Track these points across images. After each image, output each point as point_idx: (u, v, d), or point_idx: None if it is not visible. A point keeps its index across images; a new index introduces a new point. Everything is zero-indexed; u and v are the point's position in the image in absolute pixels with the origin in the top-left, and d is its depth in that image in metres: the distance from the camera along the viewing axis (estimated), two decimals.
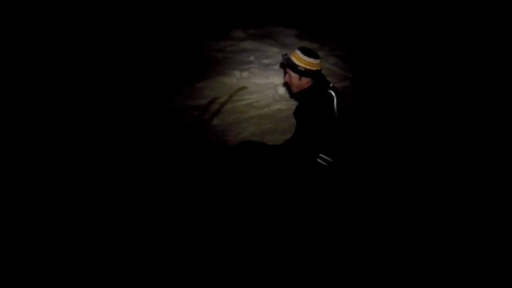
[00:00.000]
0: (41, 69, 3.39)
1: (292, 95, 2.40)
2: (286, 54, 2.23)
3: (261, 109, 3.33)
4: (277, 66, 3.86)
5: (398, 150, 2.92)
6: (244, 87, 3.55)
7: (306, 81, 2.16)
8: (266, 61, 4.16)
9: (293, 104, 2.65)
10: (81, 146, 2.74)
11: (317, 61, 2.11)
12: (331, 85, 2.18)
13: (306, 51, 2.14)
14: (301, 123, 2.28)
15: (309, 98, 2.19)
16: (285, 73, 2.24)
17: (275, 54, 4.19)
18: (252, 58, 4.23)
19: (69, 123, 2.96)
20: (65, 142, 2.77)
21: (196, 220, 2.23)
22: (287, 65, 2.18)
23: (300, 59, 2.12)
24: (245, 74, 3.81)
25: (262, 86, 3.66)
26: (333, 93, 2.12)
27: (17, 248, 1.96)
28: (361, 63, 4.22)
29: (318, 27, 5.15)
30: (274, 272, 1.95)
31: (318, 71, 2.16)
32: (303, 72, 2.13)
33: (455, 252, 2.10)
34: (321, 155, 2.15)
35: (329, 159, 2.15)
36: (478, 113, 3.34)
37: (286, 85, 2.40)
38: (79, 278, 1.84)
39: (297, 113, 2.30)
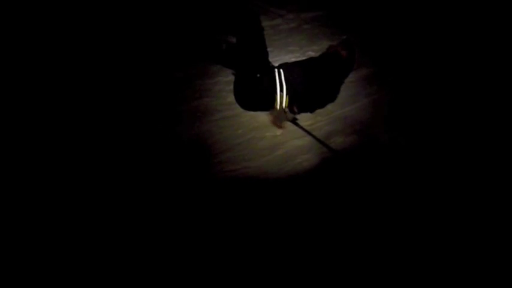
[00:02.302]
0: (41, 69, 3.33)
1: None
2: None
3: None
4: None
5: (399, 150, 2.93)
6: None
7: None
8: None
9: None
10: (81, 146, 2.71)
11: None
12: None
13: None
14: None
15: None
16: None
17: None
18: None
19: (69, 123, 2.88)
20: (65, 142, 2.72)
21: (196, 220, 2.27)
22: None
23: None
24: None
25: None
26: None
27: (17, 248, 1.96)
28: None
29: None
30: (274, 272, 1.97)
31: None
32: None
33: (455, 252, 2.10)
34: None
35: None
36: (478, 113, 3.33)
37: None
38: (79, 278, 1.86)
39: None
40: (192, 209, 2.40)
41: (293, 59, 3.24)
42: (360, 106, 3.29)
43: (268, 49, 2.62)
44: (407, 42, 4.14)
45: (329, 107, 2.87)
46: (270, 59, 2.63)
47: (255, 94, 2.47)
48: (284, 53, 3.66)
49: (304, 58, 2.90)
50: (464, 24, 4.46)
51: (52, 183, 2.42)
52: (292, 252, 2.16)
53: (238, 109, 2.76)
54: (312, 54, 3.62)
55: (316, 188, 2.68)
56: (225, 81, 3.37)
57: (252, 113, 2.98)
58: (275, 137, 3.02)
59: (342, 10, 4.12)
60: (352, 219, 2.43)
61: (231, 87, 2.68)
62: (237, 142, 2.96)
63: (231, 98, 2.69)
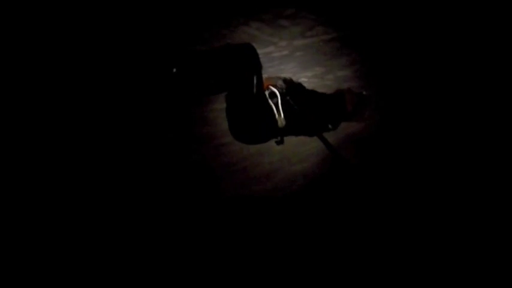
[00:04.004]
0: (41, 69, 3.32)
1: None
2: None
3: None
4: None
5: (399, 150, 2.93)
6: None
7: None
8: None
9: None
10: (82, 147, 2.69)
11: None
12: None
13: None
14: None
15: None
16: None
17: None
18: None
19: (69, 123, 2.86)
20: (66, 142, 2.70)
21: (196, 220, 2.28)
22: None
23: None
24: None
25: None
26: None
27: (17, 248, 1.97)
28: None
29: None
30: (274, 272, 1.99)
31: None
32: None
33: (455, 252, 2.09)
34: None
35: None
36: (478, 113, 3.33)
37: None
38: (79, 278, 1.89)
39: None
40: (187, 237, 2.37)
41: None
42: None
43: (262, 76, 2.62)
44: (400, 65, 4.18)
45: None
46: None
47: (254, 123, 2.38)
48: None
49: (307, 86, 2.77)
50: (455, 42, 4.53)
51: (52, 183, 2.41)
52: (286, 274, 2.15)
53: None
54: (305, 80, 3.65)
55: (313, 216, 2.66)
56: (219, 109, 3.38)
57: None
58: (271, 163, 3.01)
59: (334, 37, 4.18)
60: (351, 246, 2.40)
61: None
62: (233, 169, 2.94)
63: (226, 125, 2.69)
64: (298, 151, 3.04)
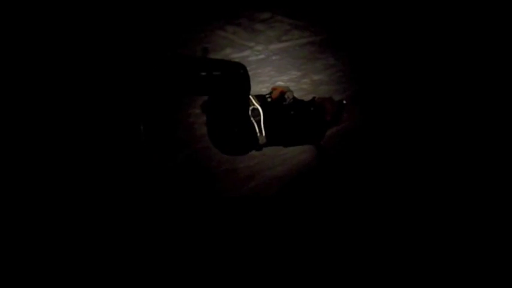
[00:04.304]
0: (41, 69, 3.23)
1: None
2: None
3: None
4: None
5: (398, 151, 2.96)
6: None
7: None
8: None
9: None
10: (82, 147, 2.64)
11: None
12: None
13: None
14: None
15: None
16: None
17: None
18: None
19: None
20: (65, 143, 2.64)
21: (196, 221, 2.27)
22: None
23: None
24: None
25: None
26: None
27: (17, 248, 1.93)
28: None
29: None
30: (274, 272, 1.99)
31: None
32: None
33: (455, 252, 2.10)
34: None
35: None
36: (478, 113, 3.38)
37: None
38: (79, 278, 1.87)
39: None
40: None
41: (264, 89, 3.28)
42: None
43: None
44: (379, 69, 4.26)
45: None
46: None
47: (234, 135, 2.34)
48: (254, 84, 3.68)
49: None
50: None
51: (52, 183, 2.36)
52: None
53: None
54: (281, 84, 3.67)
55: (296, 215, 2.68)
56: (196, 114, 3.37)
57: None
58: (248, 167, 3.01)
59: (310, 41, 4.23)
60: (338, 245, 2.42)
61: (203, 119, 2.67)
62: (211, 173, 2.93)
63: (203, 130, 2.68)
64: (278, 154, 3.06)
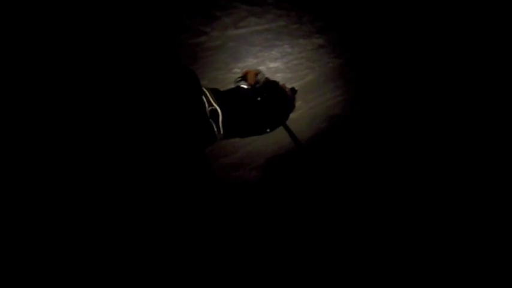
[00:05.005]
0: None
1: None
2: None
3: None
4: None
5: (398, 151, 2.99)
6: None
7: None
8: None
9: None
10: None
11: None
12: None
13: None
14: None
15: None
16: None
17: None
18: None
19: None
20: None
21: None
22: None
23: None
24: None
25: None
26: None
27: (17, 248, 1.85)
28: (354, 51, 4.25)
29: None
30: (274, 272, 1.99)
31: None
32: None
33: (455, 252, 2.13)
34: None
35: None
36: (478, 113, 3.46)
37: None
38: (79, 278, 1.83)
39: None
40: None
41: (220, 76, 3.26)
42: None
43: (194, 67, 2.58)
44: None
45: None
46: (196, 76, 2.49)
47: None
48: (210, 70, 3.67)
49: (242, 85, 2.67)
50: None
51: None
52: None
53: None
54: (237, 71, 3.67)
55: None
56: None
57: None
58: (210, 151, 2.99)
59: (266, 28, 4.23)
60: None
61: None
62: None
63: None
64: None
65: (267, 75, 2.55)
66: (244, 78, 2.54)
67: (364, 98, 3.85)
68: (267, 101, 2.39)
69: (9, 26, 3.28)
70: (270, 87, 2.48)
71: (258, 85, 2.42)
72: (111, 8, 3.86)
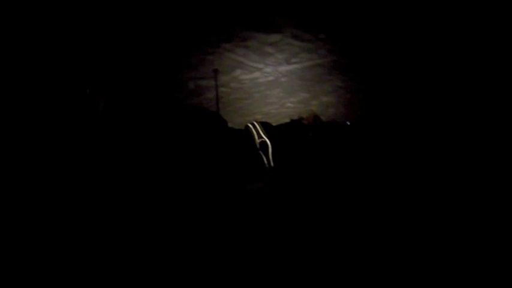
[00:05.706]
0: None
1: None
2: None
3: None
4: None
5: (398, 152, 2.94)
6: None
7: None
8: None
9: None
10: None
11: None
12: None
13: None
14: None
15: None
16: None
17: None
18: None
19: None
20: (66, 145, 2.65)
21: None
22: None
23: None
24: None
25: None
26: None
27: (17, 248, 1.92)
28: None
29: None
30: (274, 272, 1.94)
31: None
32: None
33: (455, 252, 2.07)
34: None
35: None
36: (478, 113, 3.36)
37: None
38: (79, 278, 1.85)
39: None
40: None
41: (273, 111, 3.31)
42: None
43: (248, 101, 2.64)
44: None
45: None
46: (251, 110, 2.55)
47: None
48: (263, 105, 3.73)
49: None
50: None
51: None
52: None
53: None
54: (290, 105, 3.70)
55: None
56: None
57: None
58: None
59: (318, 63, 4.27)
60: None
61: None
62: None
63: None
64: None
65: (304, 116, 2.51)
66: (301, 119, 2.54)
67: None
68: (319, 139, 2.36)
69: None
70: (325, 127, 2.45)
71: (313, 125, 2.40)
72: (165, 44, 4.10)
